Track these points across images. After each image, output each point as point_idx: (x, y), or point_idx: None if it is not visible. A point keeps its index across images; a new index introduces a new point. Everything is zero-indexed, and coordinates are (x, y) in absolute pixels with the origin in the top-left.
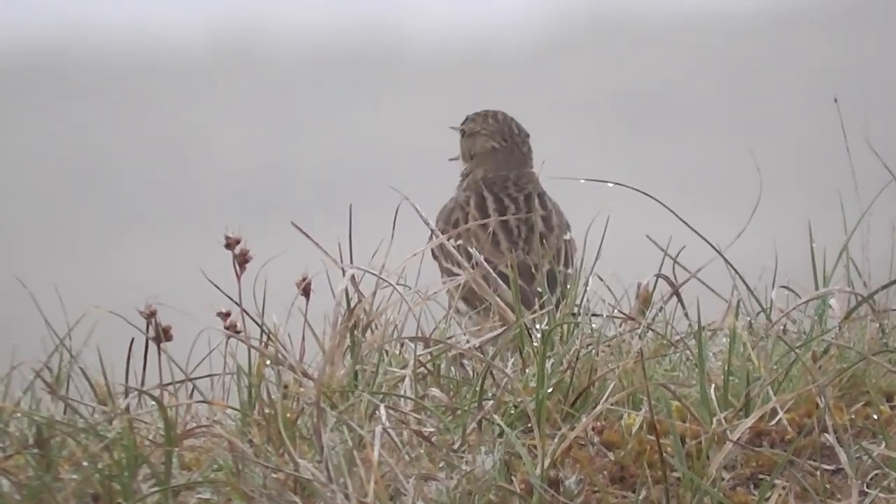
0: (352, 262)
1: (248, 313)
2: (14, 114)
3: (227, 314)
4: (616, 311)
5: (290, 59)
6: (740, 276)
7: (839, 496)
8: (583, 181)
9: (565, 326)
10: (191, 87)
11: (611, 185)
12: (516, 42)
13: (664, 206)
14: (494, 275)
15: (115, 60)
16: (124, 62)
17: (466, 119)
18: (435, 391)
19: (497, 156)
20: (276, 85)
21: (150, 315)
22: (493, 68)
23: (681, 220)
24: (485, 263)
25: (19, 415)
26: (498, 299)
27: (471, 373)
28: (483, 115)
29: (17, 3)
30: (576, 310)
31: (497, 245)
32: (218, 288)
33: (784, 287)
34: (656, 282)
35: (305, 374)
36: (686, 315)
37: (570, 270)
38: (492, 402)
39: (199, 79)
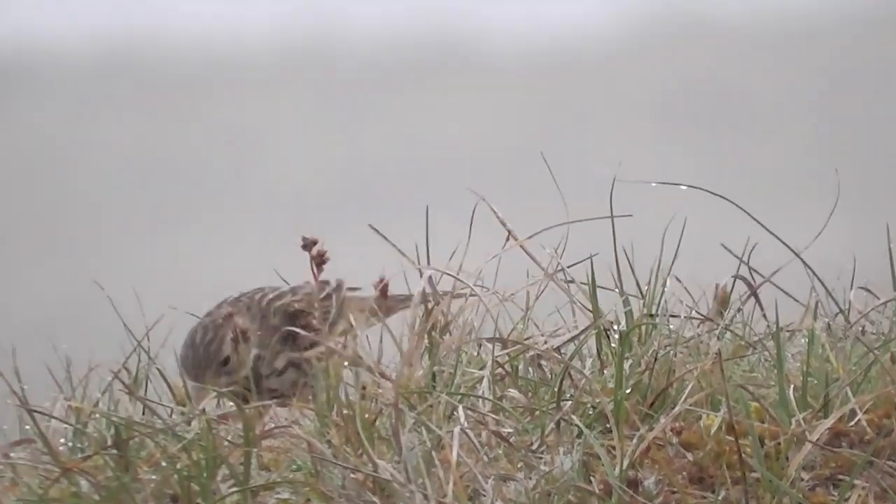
0: (429, 263)
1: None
2: (90, 113)
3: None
4: (694, 312)
5: (361, 60)
6: (818, 278)
7: None
8: (653, 184)
9: (643, 327)
10: (263, 88)
11: (684, 187)
12: (589, 44)
13: (740, 208)
14: None
15: (186, 61)
16: (194, 62)
17: None
18: (513, 392)
19: None
20: (350, 85)
21: (228, 317)
22: (566, 71)
23: (757, 222)
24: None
25: (98, 416)
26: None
27: (548, 374)
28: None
29: (88, 3)
30: (654, 311)
31: None
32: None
33: (862, 288)
34: (734, 283)
35: (383, 376)
36: (764, 316)
37: None
38: (570, 402)
39: (271, 79)
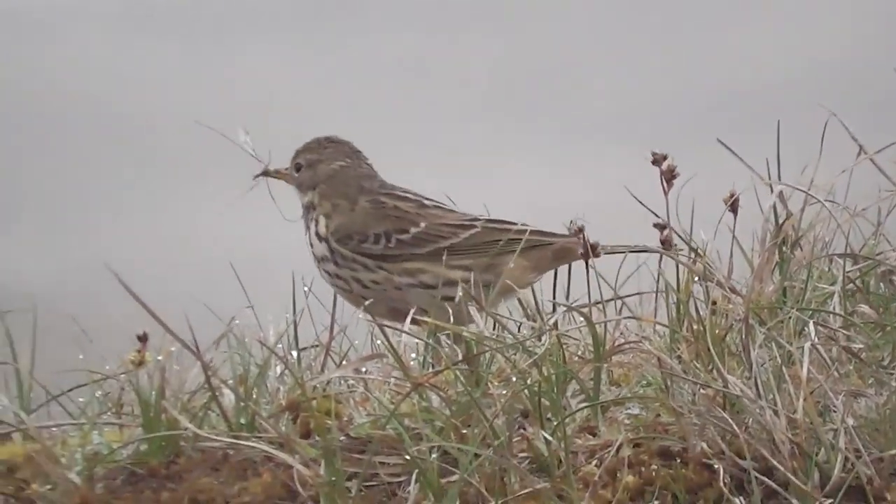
0: (780, 178)
1: (675, 230)
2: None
3: (664, 227)
4: None
5: None
6: None
7: None
8: None
9: None
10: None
11: None
12: None
13: None
14: None
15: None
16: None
17: (299, 152)
18: (864, 307)
19: (347, 172)
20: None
21: (578, 231)
22: None
23: None
24: None
25: (447, 331)
26: None
27: None
28: (317, 142)
29: None
30: None
31: None
32: (644, 205)
33: None
34: None
35: (734, 291)
36: None
37: None
38: None
39: None
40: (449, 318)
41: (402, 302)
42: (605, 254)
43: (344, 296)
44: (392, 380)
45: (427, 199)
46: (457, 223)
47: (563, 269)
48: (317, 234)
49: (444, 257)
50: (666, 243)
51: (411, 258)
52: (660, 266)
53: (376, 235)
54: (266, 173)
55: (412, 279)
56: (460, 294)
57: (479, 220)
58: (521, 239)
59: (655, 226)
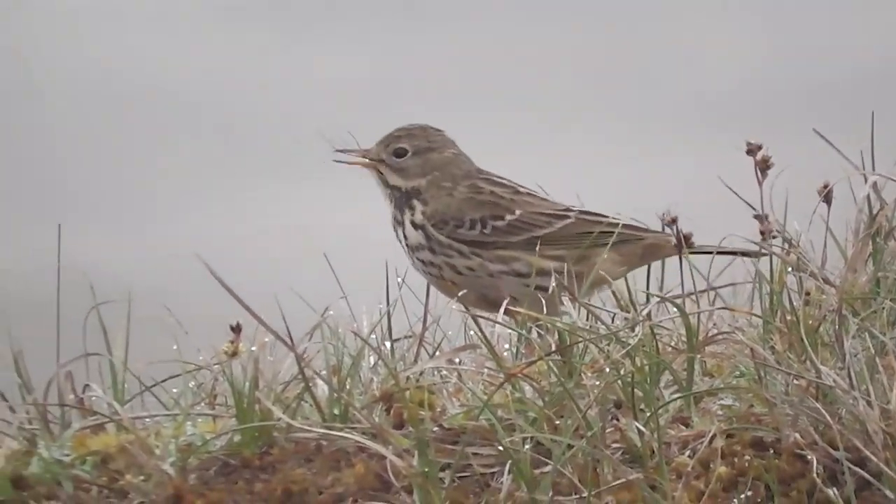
0: (874, 168)
1: (768, 220)
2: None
3: (763, 218)
4: None
5: None
6: None
7: None
8: None
9: None
10: None
11: None
12: None
13: None
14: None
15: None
16: None
17: (398, 137)
18: None
19: (459, 159)
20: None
21: (672, 222)
22: None
23: None
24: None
25: (541, 322)
26: None
27: None
28: (422, 129)
29: None
30: None
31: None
32: (738, 195)
33: None
34: None
35: (827, 281)
36: None
37: None
38: None
39: None
40: (542, 308)
41: (494, 289)
42: (693, 253)
43: (435, 283)
44: (485, 370)
45: (521, 186)
46: (551, 212)
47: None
48: (412, 222)
49: (537, 247)
50: (765, 235)
51: (506, 246)
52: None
53: (472, 221)
54: (349, 153)
55: (505, 266)
56: (553, 284)
57: (573, 210)
58: (612, 232)
59: (755, 217)
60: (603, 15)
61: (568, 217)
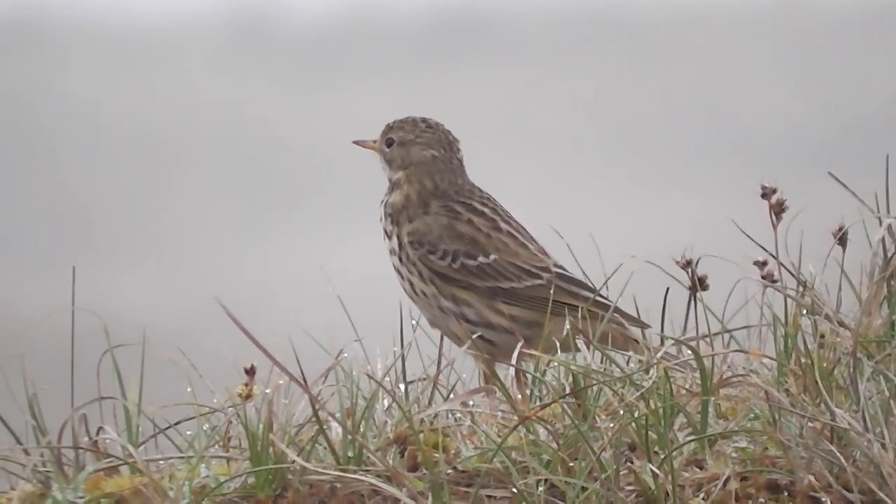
0: (888, 211)
1: (783, 264)
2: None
3: (764, 263)
4: None
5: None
6: None
7: None
8: None
9: None
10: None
11: None
12: None
13: None
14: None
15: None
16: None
17: (392, 127)
18: None
19: (438, 165)
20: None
21: (687, 265)
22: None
23: None
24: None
25: (555, 364)
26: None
27: None
28: (413, 122)
29: None
30: None
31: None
32: (751, 239)
33: None
34: None
35: (842, 324)
36: None
37: None
38: None
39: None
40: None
41: (442, 322)
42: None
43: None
44: (499, 413)
45: (505, 215)
46: (525, 267)
47: (670, 301)
48: (387, 230)
49: (497, 299)
50: (767, 278)
51: (468, 287)
52: (764, 298)
53: (445, 252)
54: (359, 143)
55: (455, 307)
56: (499, 341)
57: (550, 271)
58: (578, 307)
59: (755, 263)
60: (625, 62)
61: (539, 278)
